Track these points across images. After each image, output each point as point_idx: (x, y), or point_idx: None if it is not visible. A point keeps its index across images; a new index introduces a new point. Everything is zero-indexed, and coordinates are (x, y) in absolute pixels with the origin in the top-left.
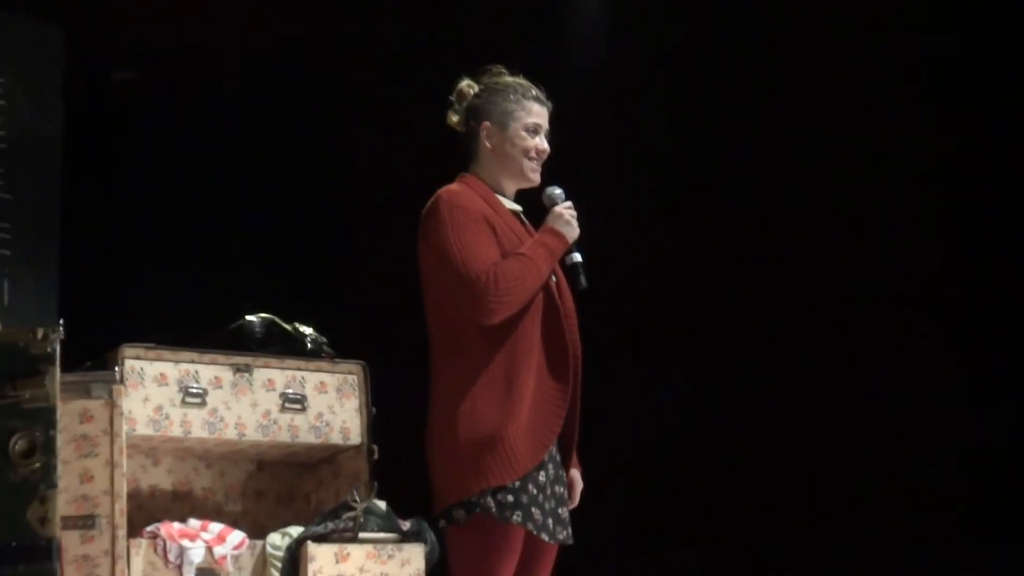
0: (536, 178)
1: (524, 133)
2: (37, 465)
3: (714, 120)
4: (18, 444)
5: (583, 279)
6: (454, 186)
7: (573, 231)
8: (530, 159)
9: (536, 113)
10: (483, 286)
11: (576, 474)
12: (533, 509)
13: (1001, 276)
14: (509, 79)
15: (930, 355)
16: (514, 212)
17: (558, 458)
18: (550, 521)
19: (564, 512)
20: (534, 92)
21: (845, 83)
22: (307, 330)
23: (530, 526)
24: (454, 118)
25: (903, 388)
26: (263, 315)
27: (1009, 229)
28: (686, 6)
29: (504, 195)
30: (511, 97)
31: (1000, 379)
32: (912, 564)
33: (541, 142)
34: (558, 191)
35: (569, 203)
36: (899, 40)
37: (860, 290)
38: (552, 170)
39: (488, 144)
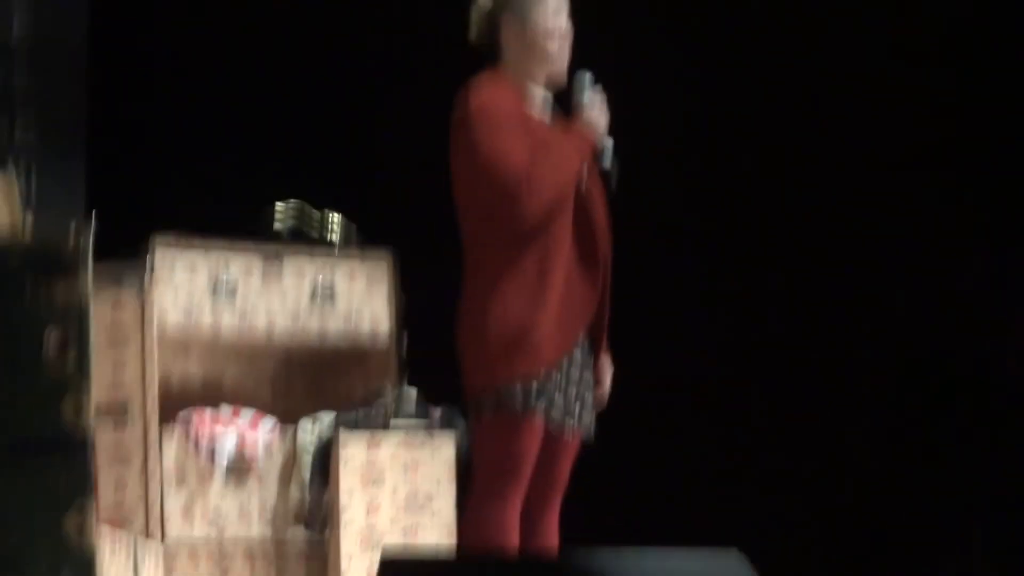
0: (563, 63)
1: (544, 21)
2: (71, 359)
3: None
4: (52, 340)
5: (609, 163)
6: (483, 85)
7: (601, 126)
8: (553, 53)
9: (555, 6)
10: (517, 192)
11: (606, 360)
12: (556, 395)
13: None
14: None
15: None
16: (545, 103)
17: (587, 345)
18: (576, 406)
19: (589, 397)
20: None
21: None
22: (336, 217)
23: (554, 414)
24: (479, 9)
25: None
26: (292, 202)
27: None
28: None
29: (536, 84)
30: None
31: None
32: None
33: (563, 25)
34: (587, 76)
35: (598, 94)
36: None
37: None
38: None
39: (509, 36)
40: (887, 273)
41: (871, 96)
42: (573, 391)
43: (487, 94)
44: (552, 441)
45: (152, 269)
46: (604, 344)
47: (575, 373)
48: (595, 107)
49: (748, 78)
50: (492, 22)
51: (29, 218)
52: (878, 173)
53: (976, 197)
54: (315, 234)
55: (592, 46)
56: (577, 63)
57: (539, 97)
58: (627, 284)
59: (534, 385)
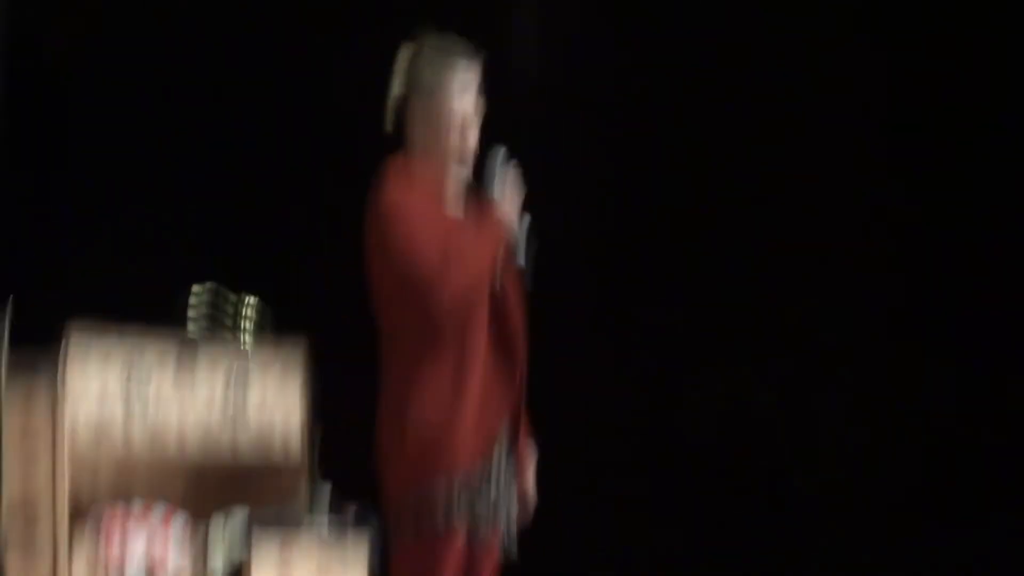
0: (470, 145)
1: (451, 103)
2: None
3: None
4: None
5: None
6: (396, 176)
7: (512, 219)
8: (461, 130)
9: (462, 80)
10: (429, 289)
11: (527, 450)
12: (477, 502)
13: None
14: (431, 45)
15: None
16: (459, 185)
17: (506, 446)
18: (501, 514)
19: (513, 508)
20: (457, 51)
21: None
22: (252, 300)
23: (475, 522)
24: (395, 90)
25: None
26: (208, 284)
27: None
28: None
29: (447, 166)
30: (430, 69)
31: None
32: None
33: (466, 105)
34: (500, 154)
35: (509, 175)
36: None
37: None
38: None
39: (417, 117)
40: None
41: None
42: (496, 497)
43: (399, 189)
44: (472, 559)
45: (66, 359)
46: (523, 436)
47: (498, 477)
48: (506, 197)
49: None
50: (402, 107)
51: None
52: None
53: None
54: (229, 320)
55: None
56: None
57: (452, 178)
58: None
59: (455, 489)
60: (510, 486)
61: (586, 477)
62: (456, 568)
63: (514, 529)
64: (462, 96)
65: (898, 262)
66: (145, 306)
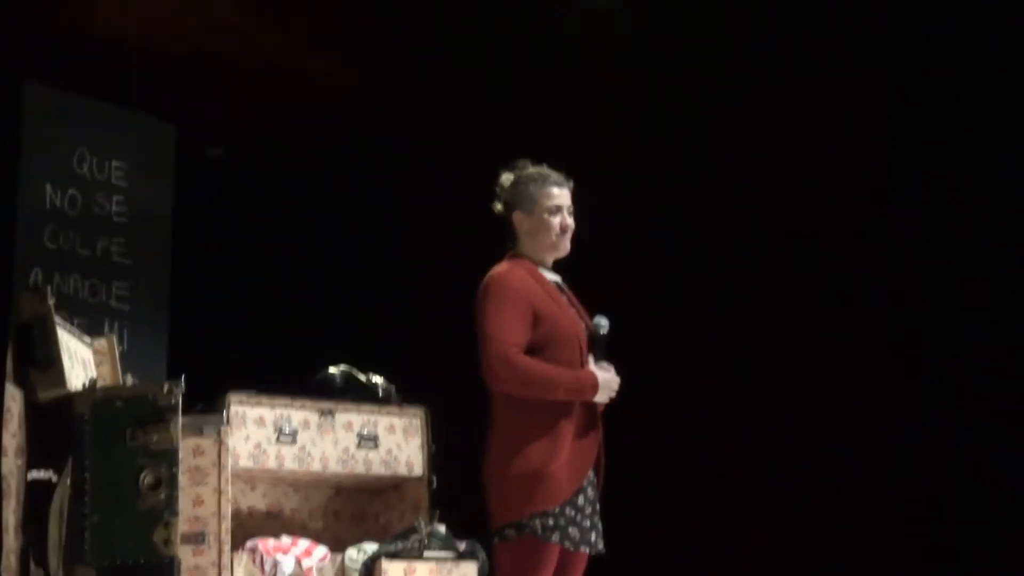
0: (565, 248)
1: (547, 216)
2: (162, 496)
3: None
4: (147, 479)
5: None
6: (503, 266)
7: (604, 397)
8: (558, 236)
9: (556, 196)
10: (500, 359)
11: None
12: (570, 529)
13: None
14: (531, 170)
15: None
16: (555, 283)
17: (595, 480)
18: (591, 535)
19: (599, 525)
20: (553, 177)
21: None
22: (378, 379)
23: (567, 544)
24: (497, 206)
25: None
26: (343, 366)
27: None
28: None
29: (545, 267)
30: (531, 187)
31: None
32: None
33: (564, 219)
34: (604, 322)
35: (615, 378)
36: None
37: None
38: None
39: (524, 228)
40: None
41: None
42: (586, 522)
43: (506, 272)
44: (564, 563)
45: (228, 421)
46: (602, 475)
47: (586, 505)
48: (608, 387)
49: None
50: (507, 205)
51: (128, 377)
52: None
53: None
54: (361, 393)
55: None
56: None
57: (550, 276)
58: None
59: (550, 520)
60: (596, 512)
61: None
62: (549, 570)
63: (601, 544)
64: (556, 212)
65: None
66: (290, 383)
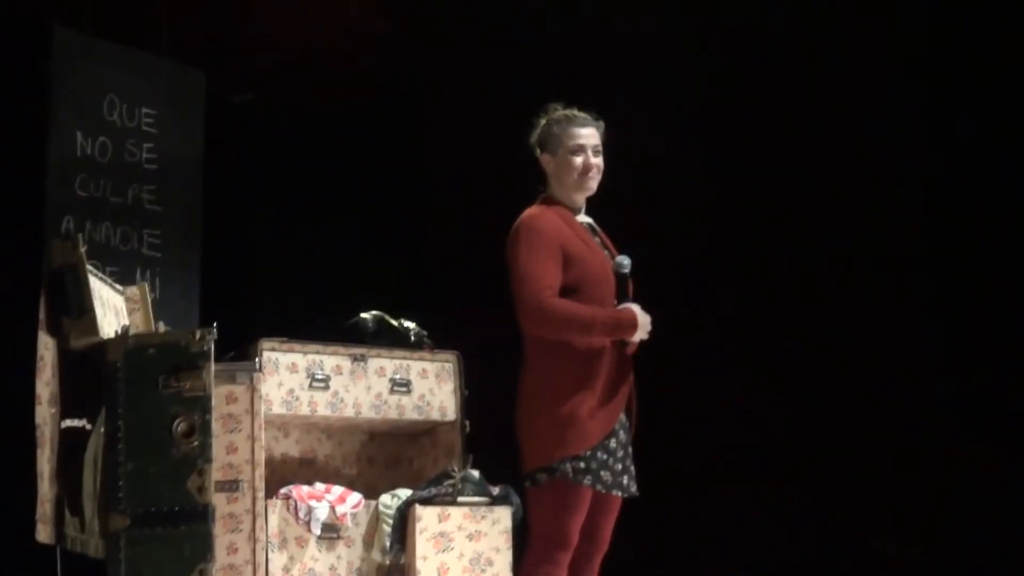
0: (591, 187)
1: (570, 156)
2: (196, 444)
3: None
4: (180, 426)
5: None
6: (534, 209)
7: (641, 335)
8: (580, 175)
9: (578, 135)
10: (534, 303)
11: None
12: (602, 472)
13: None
14: (559, 112)
15: None
16: (585, 224)
17: (627, 423)
18: (623, 479)
19: (632, 468)
20: (578, 118)
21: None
22: (410, 325)
23: (599, 487)
24: (535, 150)
25: None
26: (374, 312)
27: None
28: None
29: (575, 209)
30: (556, 128)
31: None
32: None
33: (587, 159)
34: (626, 261)
35: (647, 316)
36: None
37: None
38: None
39: (551, 170)
40: None
41: None
42: (618, 465)
43: (536, 215)
44: (597, 506)
45: (260, 368)
46: (635, 421)
47: (618, 449)
48: (642, 330)
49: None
50: (537, 148)
51: (161, 325)
52: None
53: None
54: (393, 339)
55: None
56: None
57: (581, 218)
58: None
59: (581, 463)
60: (628, 456)
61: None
62: (580, 518)
63: (634, 486)
64: (580, 152)
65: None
66: (322, 329)
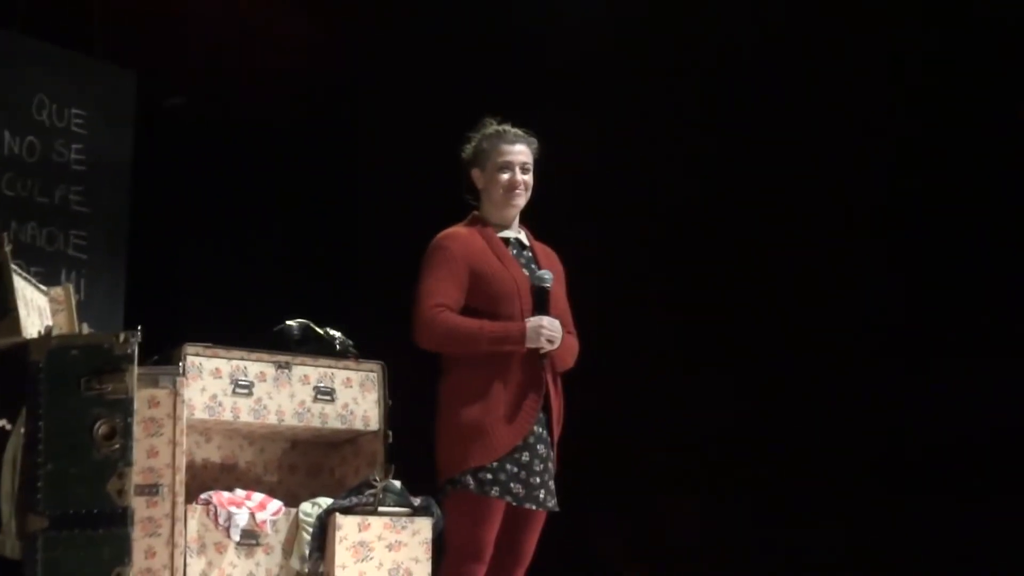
0: (517, 204)
1: (498, 172)
2: (117, 446)
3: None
4: (101, 429)
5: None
6: (451, 228)
7: (536, 344)
8: (506, 191)
9: (507, 152)
10: (422, 318)
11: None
12: (512, 484)
13: None
14: (492, 128)
15: None
16: (509, 239)
17: (547, 437)
18: (539, 492)
19: (551, 483)
20: (509, 134)
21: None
22: (336, 334)
23: (508, 499)
24: (466, 165)
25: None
26: (300, 320)
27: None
28: None
29: (503, 225)
30: (486, 144)
31: None
32: None
33: (514, 176)
34: (547, 275)
35: (552, 322)
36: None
37: None
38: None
39: (479, 186)
40: None
41: None
42: (534, 479)
43: (450, 234)
44: (515, 519)
45: (184, 372)
46: (557, 431)
47: (534, 462)
48: (539, 334)
49: None
50: (467, 164)
51: (85, 326)
52: None
53: None
54: (318, 347)
55: None
56: None
57: (507, 233)
58: None
59: (488, 475)
60: (547, 471)
61: None
62: (491, 531)
63: (552, 501)
64: (507, 169)
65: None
66: (247, 335)
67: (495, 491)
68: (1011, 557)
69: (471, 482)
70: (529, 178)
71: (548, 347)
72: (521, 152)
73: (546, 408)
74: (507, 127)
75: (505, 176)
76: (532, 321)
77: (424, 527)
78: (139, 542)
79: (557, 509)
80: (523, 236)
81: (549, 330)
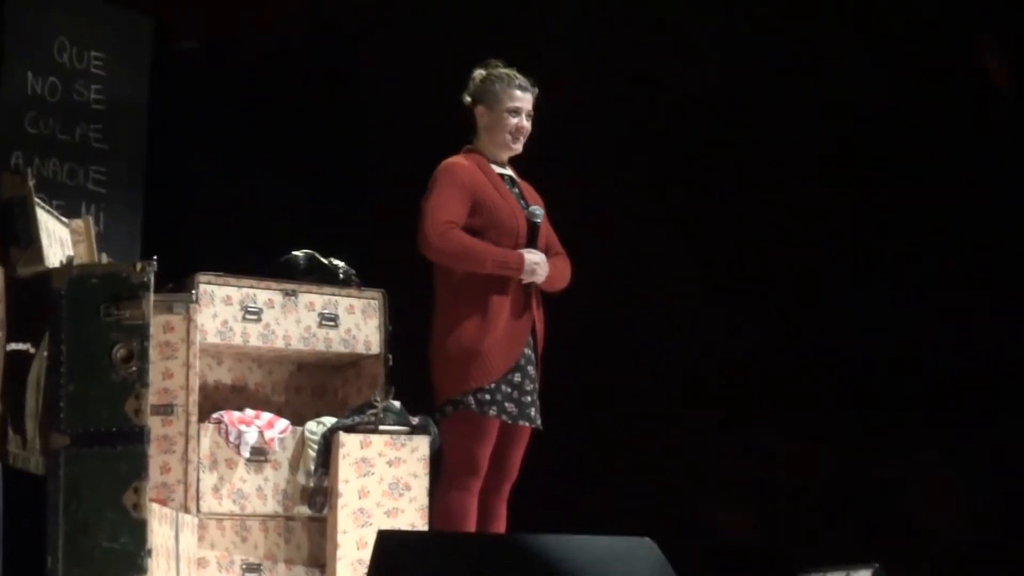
0: (517, 148)
1: (506, 115)
2: (134, 369)
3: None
4: (119, 352)
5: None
6: (455, 157)
7: (529, 278)
8: (512, 135)
9: (517, 98)
10: (434, 231)
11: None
12: (507, 404)
13: None
14: (501, 70)
15: None
16: (504, 176)
17: (534, 358)
18: (530, 410)
19: (538, 401)
20: (518, 81)
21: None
22: (340, 263)
23: (504, 417)
24: (466, 98)
25: None
26: (306, 250)
27: None
28: None
29: (497, 162)
30: (497, 86)
31: None
32: None
33: (518, 120)
34: (539, 211)
35: (544, 259)
36: None
37: None
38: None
39: (483, 122)
40: None
41: None
42: (526, 397)
43: (454, 162)
44: (505, 436)
45: (197, 299)
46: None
47: (525, 382)
48: (531, 269)
49: None
50: (473, 99)
51: (104, 256)
52: None
53: None
54: (323, 276)
55: None
56: None
57: (500, 170)
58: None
59: (487, 395)
60: (535, 390)
61: None
62: (488, 447)
63: (539, 420)
64: (515, 114)
65: None
66: (256, 265)
67: (493, 411)
68: None
69: (472, 402)
70: (530, 125)
71: (535, 280)
72: (528, 100)
73: (532, 331)
74: (515, 73)
75: (513, 121)
76: (531, 255)
77: (422, 445)
78: (155, 459)
79: (542, 427)
80: (513, 173)
81: (542, 267)
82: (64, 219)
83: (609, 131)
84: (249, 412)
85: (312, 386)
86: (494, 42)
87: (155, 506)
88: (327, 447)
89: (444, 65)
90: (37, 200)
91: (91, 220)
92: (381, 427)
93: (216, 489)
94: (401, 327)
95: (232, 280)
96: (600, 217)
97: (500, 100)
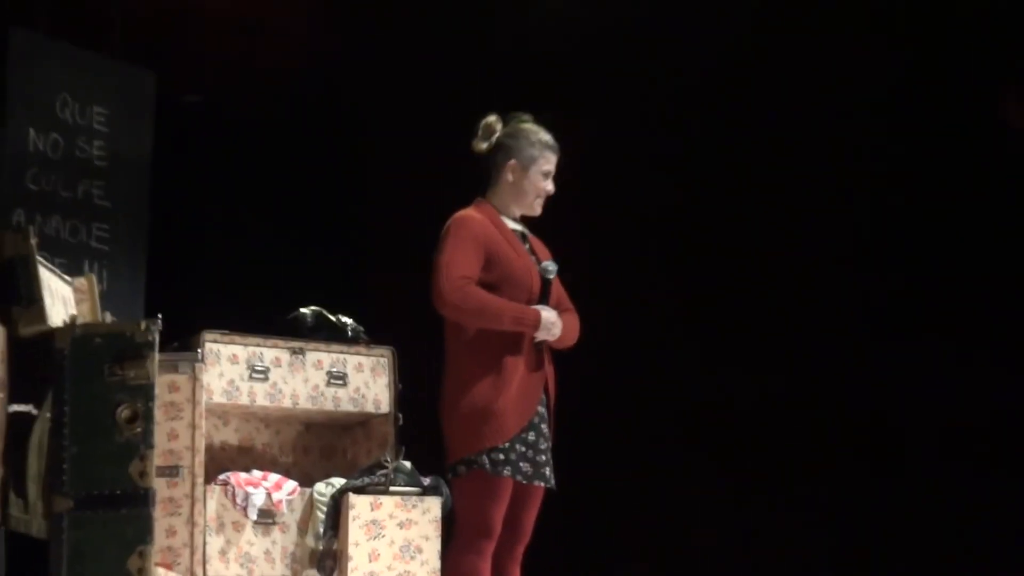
0: (538, 210)
1: (540, 177)
2: (139, 430)
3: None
4: (124, 413)
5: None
6: (467, 210)
7: (544, 335)
8: (539, 197)
9: (551, 161)
10: (451, 287)
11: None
12: (521, 464)
13: None
14: (534, 127)
15: None
16: (516, 231)
17: (547, 417)
18: (544, 470)
19: (549, 454)
20: (553, 143)
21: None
22: (348, 321)
23: (519, 477)
24: (482, 145)
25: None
26: (313, 308)
27: None
28: None
29: (509, 216)
30: (536, 147)
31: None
32: None
33: (549, 185)
34: (551, 267)
35: (558, 317)
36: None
37: None
38: None
39: (510, 178)
40: None
41: None
42: (540, 457)
43: (467, 215)
44: (519, 497)
45: (202, 359)
46: (553, 412)
47: (539, 441)
48: (547, 328)
49: None
50: (500, 151)
51: (107, 315)
52: None
53: None
54: (331, 333)
55: None
56: None
57: (513, 225)
58: None
59: (500, 455)
60: (549, 448)
61: None
62: (502, 508)
63: (553, 479)
64: (547, 177)
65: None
66: (263, 323)
67: (507, 471)
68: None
69: (486, 462)
70: (553, 188)
71: (549, 338)
72: (555, 162)
73: (544, 388)
74: (547, 133)
75: (546, 185)
76: (547, 312)
77: (433, 506)
78: (160, 521)
79: (556, 488)
80: (524, 229)
81: (556, 325)
82: (67, 277)
83: (618, 189)
84: (256, 473)
85: (320, 446)
86: (493, 96)
87: (161, 570)
88: (336, 509)
89: (446, 119)
90: (39, 258)
91: (94, 278)
92: (392, 488)
93: (223, 552)
94: (410, 385)
95: (238, 338)
96: (606, 274)
97: (536, 161)
